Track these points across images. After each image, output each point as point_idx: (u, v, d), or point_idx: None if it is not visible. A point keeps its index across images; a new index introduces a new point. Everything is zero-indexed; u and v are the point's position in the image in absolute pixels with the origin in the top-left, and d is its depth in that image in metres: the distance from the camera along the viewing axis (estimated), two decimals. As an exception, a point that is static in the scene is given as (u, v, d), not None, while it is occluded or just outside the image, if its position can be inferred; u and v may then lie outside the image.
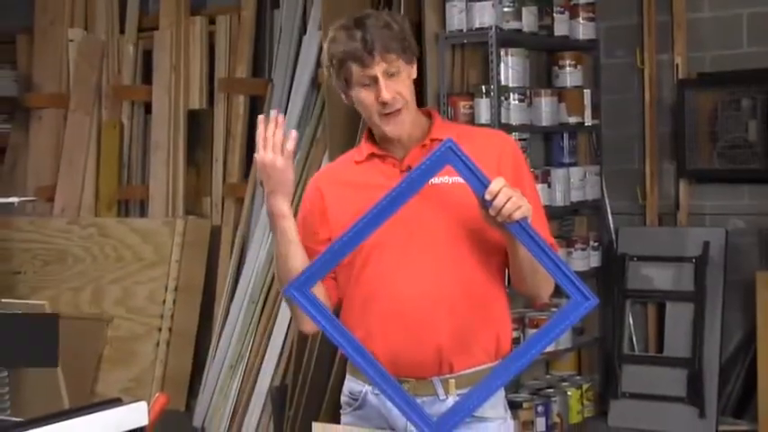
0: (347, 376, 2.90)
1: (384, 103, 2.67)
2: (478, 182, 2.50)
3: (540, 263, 2.54)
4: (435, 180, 2.64)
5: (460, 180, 2.57)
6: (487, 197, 2.47)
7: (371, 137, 2.82)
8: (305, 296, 2.57)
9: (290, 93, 6.76)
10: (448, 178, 2.63)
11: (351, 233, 2.58)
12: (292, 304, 2.69)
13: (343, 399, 2.89)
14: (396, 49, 2.66)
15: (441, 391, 2.70)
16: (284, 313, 6.32)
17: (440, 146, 2.54)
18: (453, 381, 2.70)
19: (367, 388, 2.79)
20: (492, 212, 2.48)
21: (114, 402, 2.59)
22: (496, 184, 2.47)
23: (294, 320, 3.14)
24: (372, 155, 2.79)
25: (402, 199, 2.56)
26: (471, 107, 5.89)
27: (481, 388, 2.58)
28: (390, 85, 2.66)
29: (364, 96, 2.69)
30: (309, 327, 2.76)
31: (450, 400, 2.68)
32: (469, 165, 2.51)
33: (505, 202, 2.46)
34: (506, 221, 2.49)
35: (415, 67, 2.76)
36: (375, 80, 2.66)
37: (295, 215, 2.76)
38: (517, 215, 2.47)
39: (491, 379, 2.58)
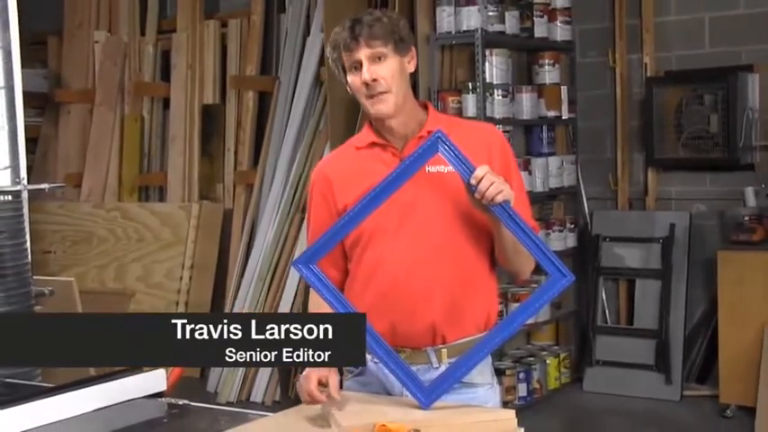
0: (348, 346, 2.87)
1: (367, 84, 2.63)
2: (465, 168, 2.48)
3: (521, 242, 2.52)
4: (432, 169, 2.61)
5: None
6: (473, 182, 2.46)
7: (372, 126, 2.78)
8: (310, 270, 2.56)
9: (294, 89, 6.75)
10: (444, 167, 2.60)
11: (349, 215, 2.56)
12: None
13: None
14: (380, 36, 2.61)
15: (434, 359, 2.68)
16: (290, 289, 6.31)
17: (430, 136, 2.53)
18: (445, 350, 2.67)
19: (367, 356, 2.76)
20: (477, 196, 2.46)
21: (136, 370, 2.57)
22: (481, 171, 2.46)
23: None
24: (374, 143, 2.74)
25: (397, 183, 2.54)
26: (459, 102, 5.89)
27: (468, 357, 2.56)
28: (374, 69, 2.62)
29: (353, 80, 2.66)
30: None
31: (443, 368, 2.65)
32: (456, 153, 2.49)
33: (488, 187, 2.44)
34: (490, 204, 2.47)
35: (410, 60, 2.70)
36: (360, 64, 2.63)
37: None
38: (499, 198, 2.46)
39: (478, 349, 2.56)
